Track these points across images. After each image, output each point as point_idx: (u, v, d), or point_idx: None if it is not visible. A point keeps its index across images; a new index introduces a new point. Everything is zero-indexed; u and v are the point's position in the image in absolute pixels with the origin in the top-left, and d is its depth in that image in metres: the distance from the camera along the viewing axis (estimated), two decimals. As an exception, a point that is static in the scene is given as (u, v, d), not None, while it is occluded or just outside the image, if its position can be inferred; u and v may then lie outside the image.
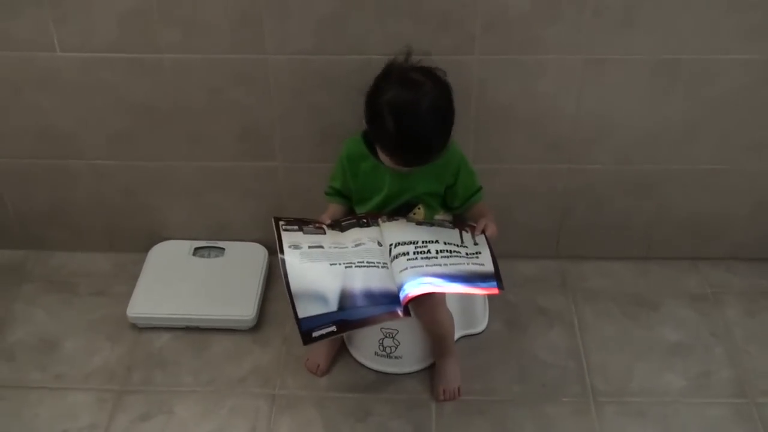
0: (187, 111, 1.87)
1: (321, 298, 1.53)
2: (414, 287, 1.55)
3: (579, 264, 2.09)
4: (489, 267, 1.60)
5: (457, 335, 1.86)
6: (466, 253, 1.62)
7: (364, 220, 1.69)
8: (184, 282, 1.98)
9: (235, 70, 1.80)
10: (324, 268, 1.57)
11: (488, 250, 1.63)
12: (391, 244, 1.62)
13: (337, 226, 1.67)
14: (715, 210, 2.00)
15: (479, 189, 1.74)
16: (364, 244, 1.63)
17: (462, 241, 1.65)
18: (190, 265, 2.04)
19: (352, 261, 1.59)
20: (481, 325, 1.93)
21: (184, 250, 2.06)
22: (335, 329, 1.52)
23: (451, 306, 1.76)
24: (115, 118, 1.88)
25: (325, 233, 1.64)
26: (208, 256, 2.06)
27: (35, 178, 1.99)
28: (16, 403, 1.76)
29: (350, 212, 1.77)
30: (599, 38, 1.73)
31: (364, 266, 1.58)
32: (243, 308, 1.92)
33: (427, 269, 1.57)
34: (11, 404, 1.76)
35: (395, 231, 1.66)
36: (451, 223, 1.70)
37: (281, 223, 1.63)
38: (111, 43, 1.77)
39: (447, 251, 1.62)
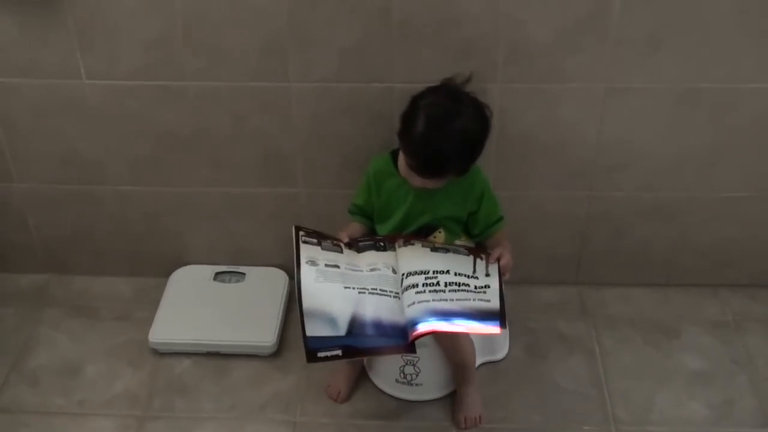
0: (211, 137, 1.88)
1: (331, 320, 1.54)
2: (419, 326, 1.55)
3: (599, 290, 2.08)
4: (495, 304, 1.59)
5: (477, 362, 1.86)
6: (475, 287, 1.62)
7: (381, 243, 1.69)
8: (205, 307, 1.99)
9: (258, 98, 1.82)
10: (338, 290, 1.57)
11: (497, 283, 1.63)
12: (403, 274, 1.63)
13: (354, 246, 1.67)
14: (736, 237, 1.99)
15: (501, 218, 1.74)
16: (378, 269, 1.63)
17: (474, 271, 1.64)
18: (211, 290, 2.05)
19: (366, 287, 1.59)
20: (502, 352, 1.93)
21: (205, 275, 2.07)
22: (340, 353, 1.53)
23: (472, 332, 1.76)
24: (140, 144, 1.90)
25: (342, 252, 1.64)
26: (229, 281, 2.07)
27: (59, 203, 2.01)
28: (41, 429, 1.77)
29: (370, 232, 1.78)
30: (621, 67, 1.73)
31: (377, 294, 1.59)
32: (263, 334, 1.92)
33: (433, 305, 1.58)
34: (36, 430, 1.77)
35: (409, 259, 1.66)
36: (467, 249, 1.70)
37: (301, 233, 1.63)
38: (136, 71, 1.79)
39: (456, 284, 1.61)
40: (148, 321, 1.96)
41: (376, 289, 1.60)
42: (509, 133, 1.83)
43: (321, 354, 1.52)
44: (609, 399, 1.82)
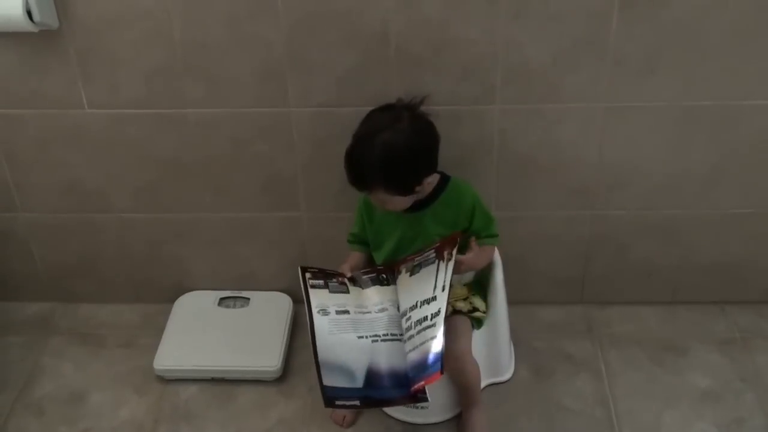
0: (212, 164, 1.89)
1: (348, 372, 1.55)
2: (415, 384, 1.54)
3: (604, 309, 2.07)
4: (439, 340, 1.52)
5: (483, 384, 1.85)
6: (431, 315, 1.56)
7: (383, 276, 1.70)
8: (209, 333, 1.99)
9: (258, 123, 1.83)
10: (352, 341, 1.58)
11: (445, 301, 1.56)
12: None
13: (358, 281, 1.68)
14: (742, 254, 1.98)
15: (495, 235, 1.74)
16: (386, 309, 1.64)
17: (434, 287, 1.59)
18: (215, 315, 2.05)
19: (378, 333, 1.60)
20: (507, 373, 1.92)
21: (210, 301, 2.08)
22: (359, 404, 1.55)
23: (477, 354, 1.75)
24: (142, 172, 1.91)
25: (348, 291, 1.65)
26: (234, 306, 2.07)
27: (63, 232, 2.02)
28: (45, 458, 1.78)
29: (370, 260, 1.79)
30: (620, 86, 1.73)
31: (389, 339, 1.60)
32: (268, 359, 1.92)
33: (410, 356, 1.56)
34: (40, 459, 1.78)
35: (402, 296, 1.66)
36: (435, 249, 1.65)
37: (307, 275, 1.64)
38: (137, 100, 1.80)
39: (421, 319, 1.57)
40: (153, 347, 1.96)
41: (387, 335, 1.61)
42: (509, 154, 1.83)
43: (339, 402, 1.54)
44: (616, 419, 1.81)
